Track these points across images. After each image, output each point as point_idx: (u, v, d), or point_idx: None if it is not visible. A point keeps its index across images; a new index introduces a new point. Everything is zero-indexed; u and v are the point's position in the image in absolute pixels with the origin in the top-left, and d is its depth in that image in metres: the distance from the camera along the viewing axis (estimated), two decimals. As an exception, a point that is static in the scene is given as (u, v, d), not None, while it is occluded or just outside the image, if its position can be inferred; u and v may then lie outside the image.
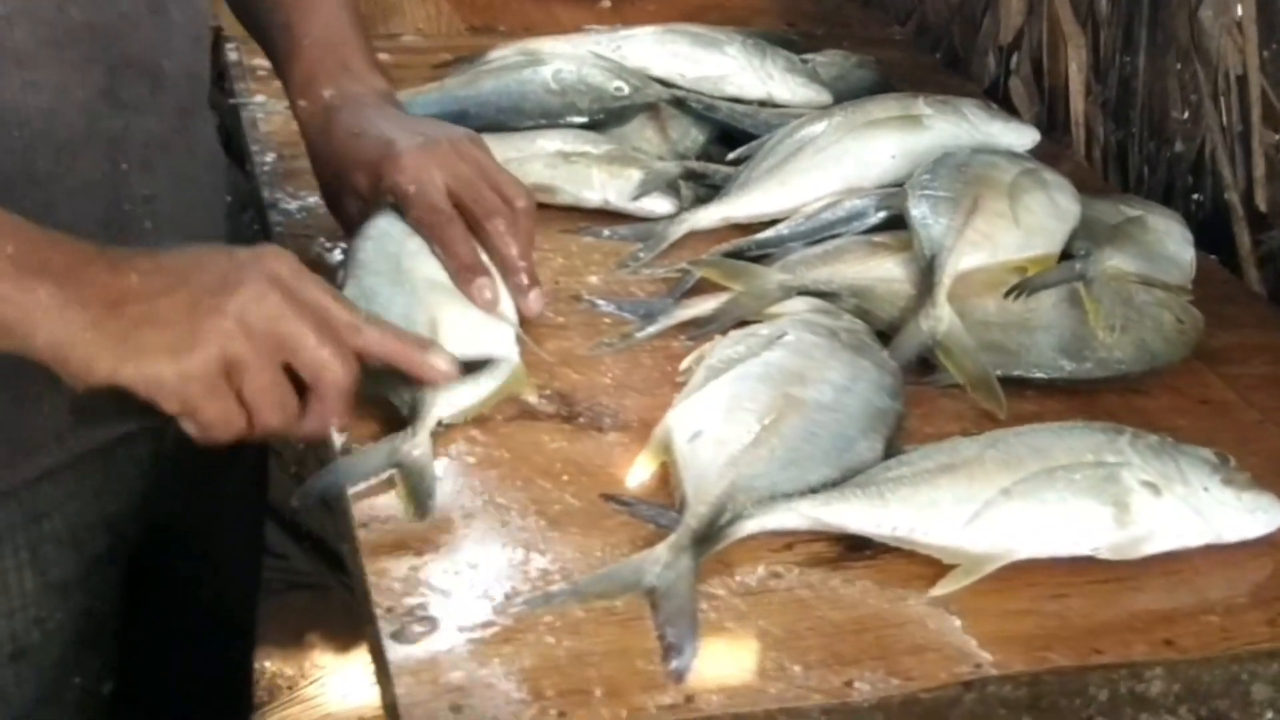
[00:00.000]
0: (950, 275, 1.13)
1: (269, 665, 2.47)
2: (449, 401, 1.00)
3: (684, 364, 1.11)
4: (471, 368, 1.04)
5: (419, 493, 0.94)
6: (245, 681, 1.62)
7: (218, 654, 1.47)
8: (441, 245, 1.10)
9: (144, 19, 1.09)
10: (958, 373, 1.10)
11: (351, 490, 0.96)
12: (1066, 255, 1.22)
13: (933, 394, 1.12)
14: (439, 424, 1.01)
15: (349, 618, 0.84)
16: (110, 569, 1.19)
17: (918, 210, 1.20)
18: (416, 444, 0.96)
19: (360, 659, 2.22)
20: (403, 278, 1.09)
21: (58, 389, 1.04)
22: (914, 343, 1.12)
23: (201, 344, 0.87)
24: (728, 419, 0.99)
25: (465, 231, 1.11)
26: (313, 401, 0.93)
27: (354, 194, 1.17)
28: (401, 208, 1.12)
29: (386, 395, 1.02)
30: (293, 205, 1.36)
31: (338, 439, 1.02)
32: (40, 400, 1.06)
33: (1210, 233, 1.40)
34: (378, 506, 0.96)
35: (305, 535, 2.58)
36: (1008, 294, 1.14)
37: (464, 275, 1.09)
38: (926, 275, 1.15)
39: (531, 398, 1.08)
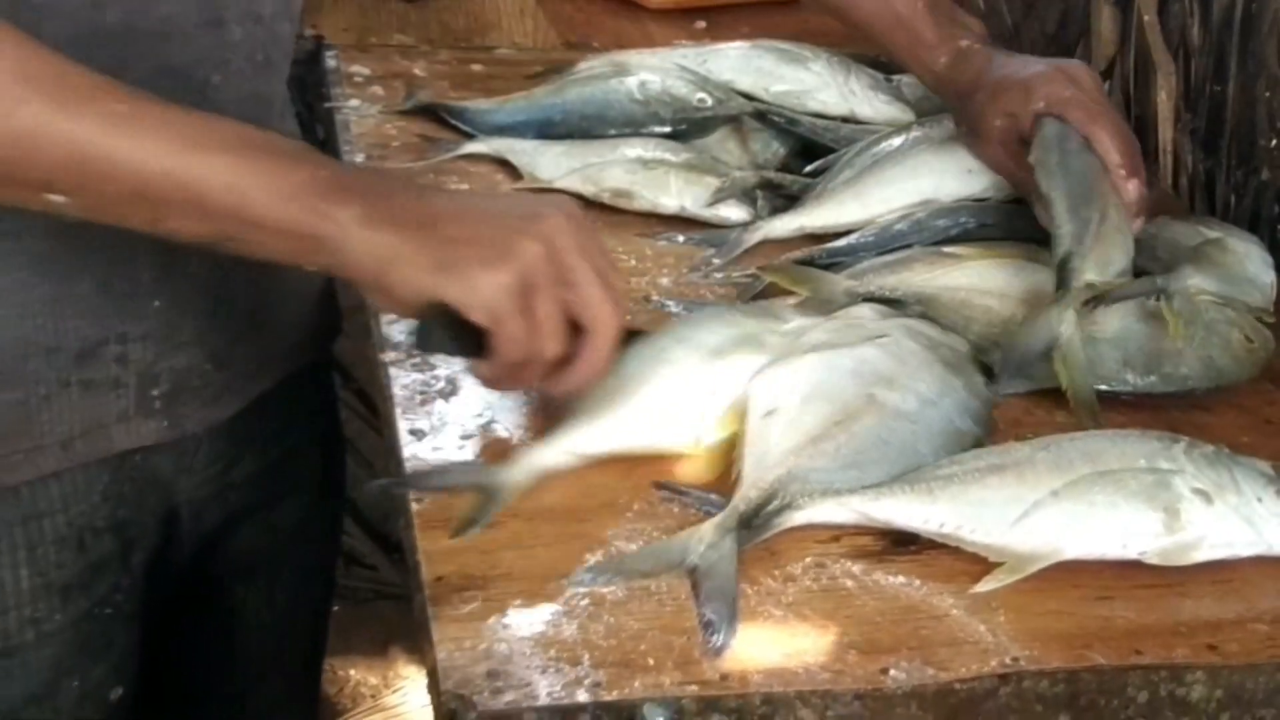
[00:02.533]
0: (1082, 283, 1.12)
1: (354, 673, 2.51)
2: (565, 449, 0.97)
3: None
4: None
5: (477, 516, 0.92)
6: (314, 684, 1.61)
7: (288, 658, 1.48)
8: (1098, 139, 1.24)
9: (190, 31, 1.07)
10: (1065, 379, 1.08)
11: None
12: (1139, 272, 1.21)
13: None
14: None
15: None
16: (121, 575, 1.17)
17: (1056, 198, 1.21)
18: (515, 474, 0.95)
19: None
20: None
21: (65, 396, 1.07)
22: (1038, 338, 1.10)
23: (514, 258, 0.89)
24: (805, 405, 0.99)
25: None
26: (586, 343, 0.94)
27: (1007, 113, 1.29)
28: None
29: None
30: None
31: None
32: (48, 403, 1.07)
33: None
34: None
35: (395, 546, 2.60)
36: (1087, 303, 1.13)
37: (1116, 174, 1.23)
38: (1061, 273, 1.14)
39: None
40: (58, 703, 1.15)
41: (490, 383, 0.97)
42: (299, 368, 1.32)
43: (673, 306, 1.22)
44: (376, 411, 2.46)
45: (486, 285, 0.88)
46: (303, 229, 0.89)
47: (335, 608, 2.62)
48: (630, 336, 1.00)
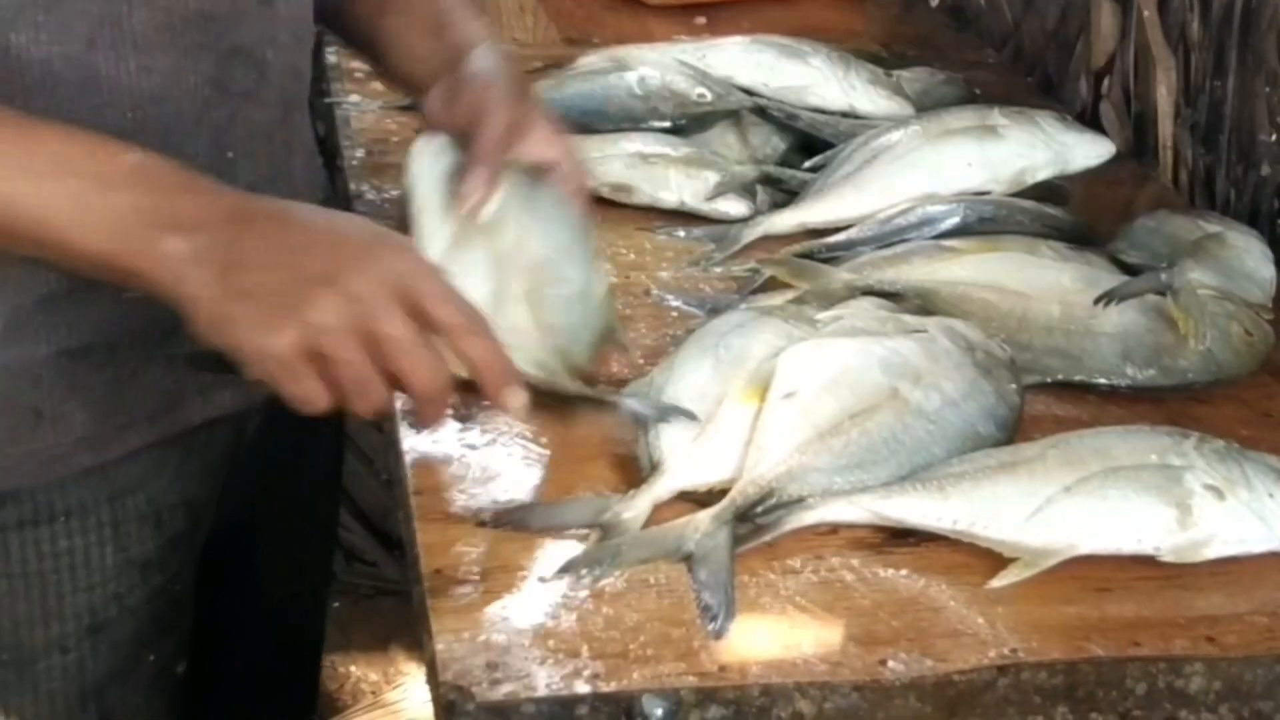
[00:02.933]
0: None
1: (354, 669, 2.51)
2: (689, 474, 0.96)
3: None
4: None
5: (602, 556, 0.89)
6: (314, 675, 1.62)
7: (286, 647, 1.48)
8: None
9: (252, 10, 1.10)
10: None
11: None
12: (1133, 270, 1.22)
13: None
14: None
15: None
16: (187, 552, 1.21)
17: None
18: (633, 508, 0.93)
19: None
20: None
21: (151, 371, 1.08)
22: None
23: (285, 328, 0.84)
24: (826, 390, 0.98)
25: None
26: (414, 390, 0.88)
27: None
28: None
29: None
30: (376, 197, 1.39)
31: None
32: (135, 380, 1.09)
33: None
34: (434, 473, 0.97)
35: (395, 543, 2.61)
36: (1098, 300, 1.14)
37: None
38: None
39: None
40: (137, 678, 1.18)
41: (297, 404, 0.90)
42: None
43: (671, 300, 1.22)
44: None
45: (251, 351, 0.85)
46: (119, 267, 0.89)
47: (336, 604, 2.64)
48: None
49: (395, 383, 0.86)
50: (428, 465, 0.98)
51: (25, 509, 1.09)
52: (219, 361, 0.88)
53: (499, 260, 1.02)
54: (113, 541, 1.13)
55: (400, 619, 2.55)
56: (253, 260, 0.87)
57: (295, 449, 1.33)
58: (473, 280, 1.00)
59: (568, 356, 1.02)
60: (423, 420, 0.92)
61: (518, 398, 0.91)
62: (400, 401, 1.00)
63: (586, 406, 1.00)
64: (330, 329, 0.84)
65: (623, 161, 1.40)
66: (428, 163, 1.06)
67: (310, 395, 0.85)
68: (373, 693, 2.46)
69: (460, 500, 0.94)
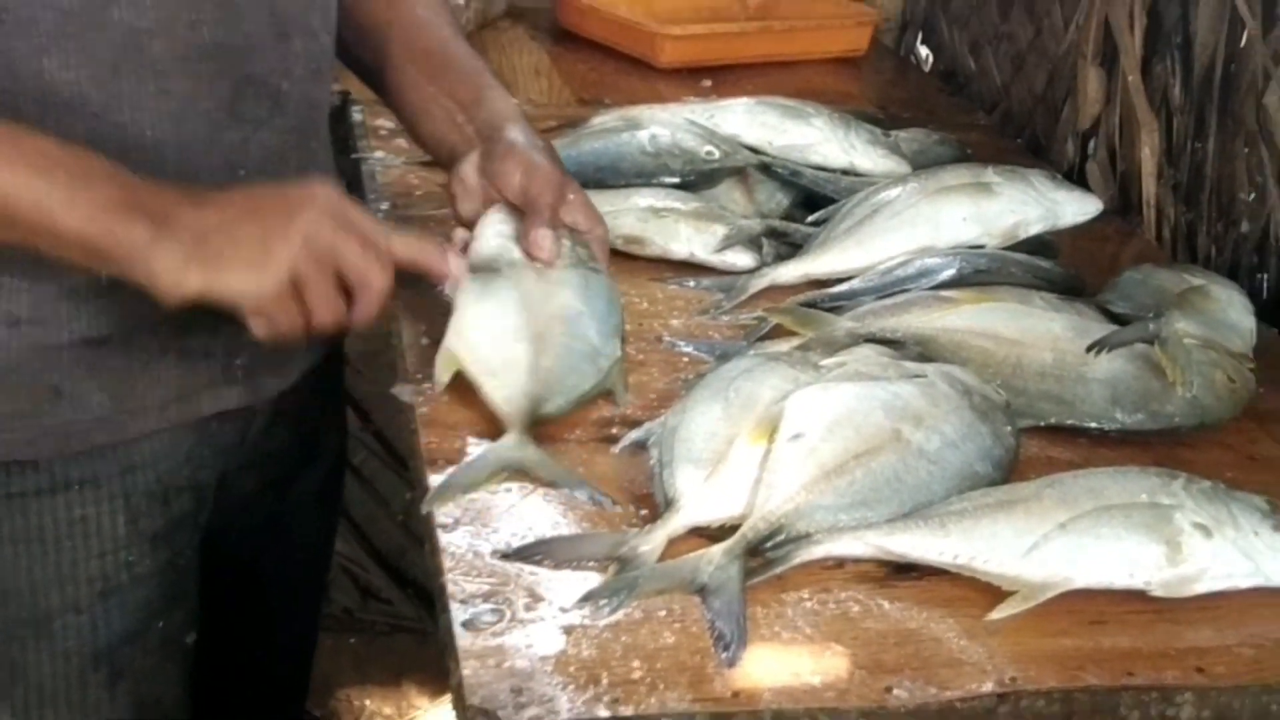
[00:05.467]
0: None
1: (369, 703, 2.50)
2: (702, 511, 0.96)
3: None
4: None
5: (619, 586, 0.90)
6: (306, 665, 1.60)
7: (281, 636, 1.50)
8: None
9: (268, 44, 1.12)
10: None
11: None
12: (1121, 320, 1.22)
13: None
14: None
15: (443, 664, 0.86)
16: (192, 532, 1.22)
17: None
18: (649, 542, 0.93)
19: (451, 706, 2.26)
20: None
21: (164, 363, 1.12)
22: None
23: (274, 263, 0.98)
24: (831, 431, 0.98)
25: None
26: (358, 300, 1.03)
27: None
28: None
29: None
30: (402, 245, 1.39)
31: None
32: (148, 370, 1.12)
33: (1272, 309, 1.39)
34: (460, 509, 0.97)
35: (409, 582, 2.60)
36: (1089, 349, 1.14)
37: None
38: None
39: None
40: (147, 643, 1.19)
41: (269, 335, 1.03)
42: (330, 351, 1.36)
43: (682, 346, 1.22)
44: (393, 451, 2.47)
45: (252, 288, 0.99)
46: (100, 247, 0.97)
47: (352, 640, 2.63)
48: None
49: (347, 294, 1.02)
50: (450, 505, 0.98)
51: (44, 478, 1.11)
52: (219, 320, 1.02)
53: (524, 301, 1.12)
54: (123, 513, 1.15)
55: (414, 655, 2.55)
56: (219, 229, 0.99)
57: (299, 450, 1.35)
58: (495, 307, 1.11)
59: (534, 399, 1.06)
60: (369, 318, 1.05)
61: (455, 263, 1.12)
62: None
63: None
64: (298, 261, 0.98)
65: (635, 215, 1.41)
66: (495, 221, 1.18)
67: (290, 320, 1.00)
68: (388, 724, 2.46)
69: (484, 534, 0.94)
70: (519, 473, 1.00)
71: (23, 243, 0.97)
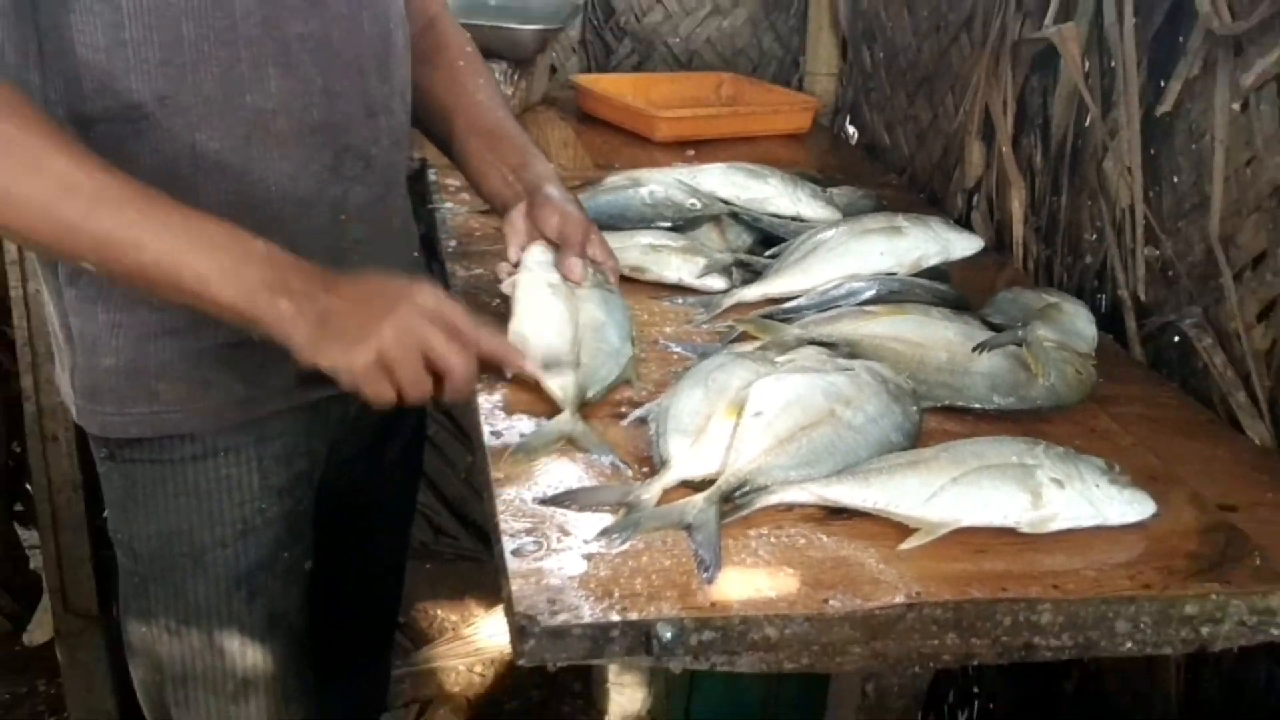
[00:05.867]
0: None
1: (440, 613, 2.49)
2: (688, 469, 0.95)
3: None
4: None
5: (625, 525, 0.89)
6: (398, 586, 1.58)
7: (377, 565, 1.48)
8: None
9: (360, 121, 1.12)
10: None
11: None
12: (998, 328, 1.22)
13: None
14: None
15: (496, 583, 0.86)
16: (308, 486, 1.21)
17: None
18: (649, 491, 0.93)
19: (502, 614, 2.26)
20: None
21: (286, 360, 1.08)
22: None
23: (364, 347, 0.94)
24: (784, 411, 0.98)
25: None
26: (446, 380, 0.98)
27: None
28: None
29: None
30: (465, 274, 1.39)
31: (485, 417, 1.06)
32: (271, 367, 1.11)
33: (1109, 320, 1.39)
34: (509, 468, 0.98)
35: (470, 523, 2.60)
36: (974, 349, 1.14)
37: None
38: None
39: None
40: (275, 570, 1.18)
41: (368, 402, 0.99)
42: None
43: (673, 347, 1.22)
44: (458, 426, 2.48)
45: (344, 366, 0.94)
46: (250, 316, 0.94)
47: (427, 566, 2.64)
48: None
49: (438, 377, 0.97)
50: (503, 465, 0.98)
51: (198, 447, 1.12)
52: (320, 376, 0.97)
53: (569, 313, 1.12)
54: (257, 473, 1.15)
55: (473, 577, 2.55)
56: (337, 313, 0.95)
57: (386, 426, 1.34)
58: (548, 318, 1.11)
59: (582, 389, 1.07)
60: (458, 398, 1.00)
61: (526, 360, 1.06)
62: (488, 436, 1.03)
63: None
64: (391, 348, 0.94)
65: (639, 250, 1.41)
66: (538, 256, 1.18)
67: (380, 393, 0.96)
68: (453, 630, 2.45)
69: (527, 487, 0.95)
70: (569, 441, 1.00)
71: (182, 304, 0.95)
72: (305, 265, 0.97)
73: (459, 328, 0.98)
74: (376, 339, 0.94)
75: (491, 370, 1.06)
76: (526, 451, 0.98)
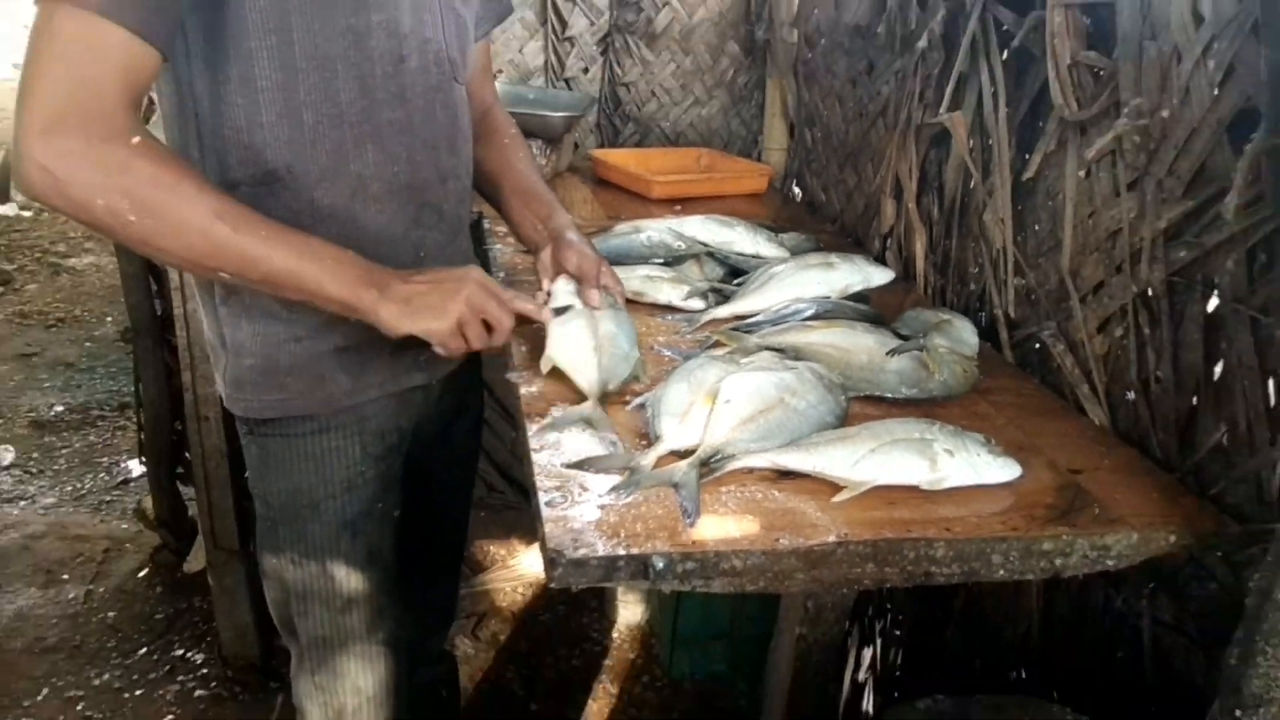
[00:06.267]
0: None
1: (491, 548, 2.49)
2: (676, 442, 0.95)
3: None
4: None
5: (628, 483, 0.89)
6: (464, 529, 1.56)
7: (450, 515, 1.46)
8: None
9: (435, 184, 1.11)
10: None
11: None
12: (905, 338, 1.22)
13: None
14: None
15: (533, 526, 0.87)
16: (397, 454, 1.19)
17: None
18: (647, 458, 0.92)
19: (538, 549, 2.26)
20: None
21: (381, 359, 1.10)
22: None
23: (448, 315, 0.98)
24: (745, 399, 0.98)
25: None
26: (495, 334, 1.02)
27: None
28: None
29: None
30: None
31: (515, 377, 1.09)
32: (370, 366, 1.11)
33: (987, 332, 1.39)
34: (544, 442, 0.97)
35: (513, 481, 2.60)
36: (888, 353, 1.14)
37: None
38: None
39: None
40: (372, 516, 1.17)
41: (448, 353, 1.01)
42: (472, 354, 1.33)
43: (666, 352, 1.22)
44: (506, 409, 2.48)
45: (436, 328, 0.98)
46: (350, 304, 0.95)
47: (481, 514, 2.64)
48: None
49: (490, 331, 1.01)
50: (539, 439, 0.98)
51: (316, 425, 1.11)
52: (415, 341, 0.99)
53: (591, 328, 1.11)
54: (359, 444, 1.13)
55: (516, 522, 2.54)
56: (419, 293, 0.98)
57: (457, 408, 1.33)
58: (575, 332, 1.10)
59: (605, 384, 1.06)
60: (503, 341, 1.03)
61: (543, 310, 1.11)
62: (528, 418, 1.02)
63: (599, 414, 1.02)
64: (464, 313, 0.99)
65: (638, 280, 1.40)
66: (563, 286, 1.17)
67: (458, 346, 1.00)
68: (502, 561, 2.44)
69: (556, 455, 0.95)
70: (589, 424, 1.00)
71: (301, 300, 0.95)
72: (385, 267, 0.98)
73: (502, 296, 1.03)
74: (455, 308, 0.98)
75: (524, 323, 1.10)
76: (558, 423, 0.99)
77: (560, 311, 1.12)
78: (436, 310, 0.97)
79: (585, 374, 1.06)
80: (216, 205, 0.88)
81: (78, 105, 0.81)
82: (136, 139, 0.84)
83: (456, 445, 1.38)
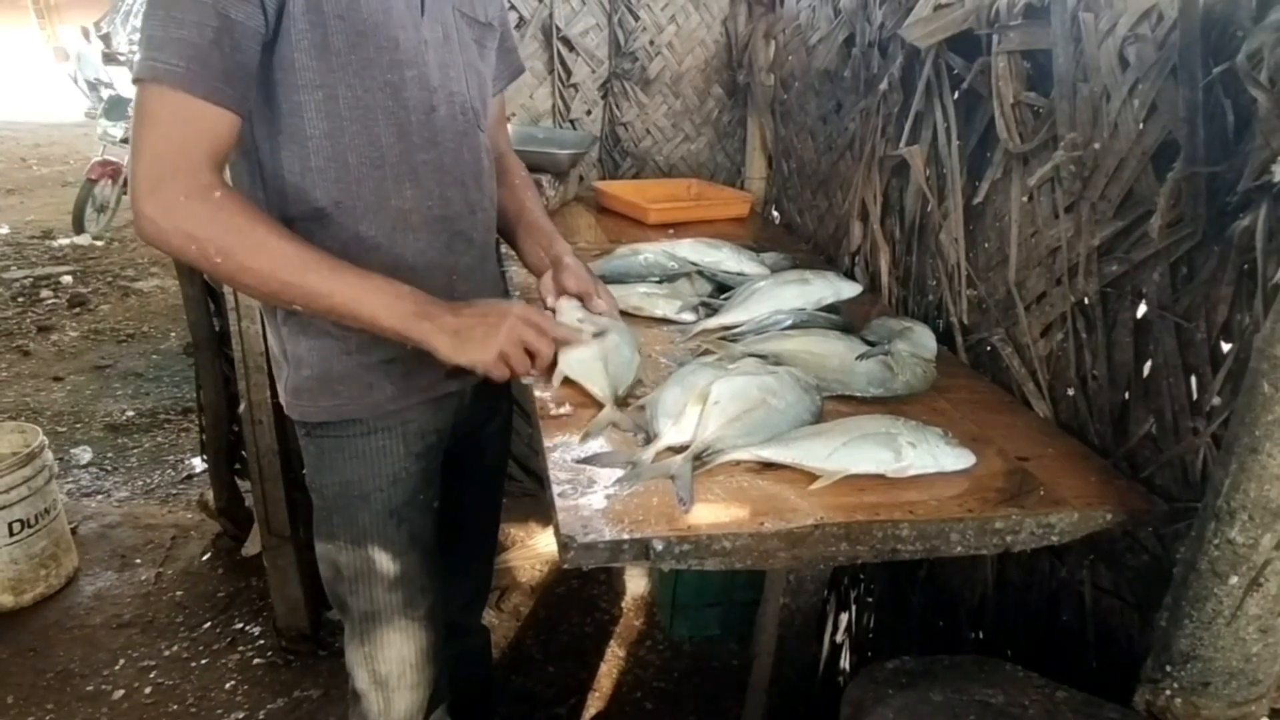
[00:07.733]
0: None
1: (512, 530, 2.48)
2: (672, 438, 0.94)
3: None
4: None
5: (629, 476, 0.89)
6: (496, 514, 1.55)
7: (483, 504, 1.45)
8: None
9: (465, 216, 1.10)
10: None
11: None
12: (873, 343, 1.21)
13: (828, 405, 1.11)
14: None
15: (548, 513, 0.87)
16: (437, 452, 1.19)
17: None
18: (648, 454, 0.92)
19: (552, 533, 2.26)
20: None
21: (421, 370, 1.08)
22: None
23: (492, 346, 0.96)
24: (732, 400, 0.98)
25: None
26: (537, 360, 1.00)
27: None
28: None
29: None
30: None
31: (540, 391, 1.06)
32: (413, 375, 1.10)
33: (945, 337, 1.39)
34: (558, 440, 0.97)
35: (531, 471, 2.59)
36: (858, 357, 1.13)
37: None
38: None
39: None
40: (415, 505, 1.16)
41: (496, 380, 0.99)
42: None
43: (663, 360, 1.21)
44: (523, 410, 2.48)
45: (480, 358, 0.96)
46: (403, 333, 0.94)
47: (505, 500, 2.63)
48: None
49: (532, 359, 0.99)
50: (553, 438, 0.98)
51: (365, 427, 1.10)
52: (460, 370, 0.97)
53: (597, 342, 1.09)
54: (402, 443, 1.13)
55: (533, 508, 2.53)
56: (467, 326, 0.96)
57: (488, 412, 1.32)
58: (582, 347, 1.08)
59: (615, 389, 1.05)
60: (545, 366, 1.01)
61: (587, 336, 1.06)
62: (542, 417, 1.02)
63: (610, 414, 1.01)
64: (506, 345, 0.97)
65: (637, 296, 1.40)
66: (567, 305, 1.15)
67: (502, 374, 0.97)
68: (521, 541, 2.44)
69: (568, 451, 0.95)
70: (615, 425, 0.99)
71: (359, 328, 0.95)
72: (436, 300, 0.98)
73: (542, 326, 1.01)
74: (497, 341, 0.96)
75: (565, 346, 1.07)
76: (595, 428, 0.98)
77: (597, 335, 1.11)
78: (480, 344, 0.96)
79: (598, 383, 1.05)
80: (280, 247, 0.89)
81: (170, 167, 0.86)
82: (218, 193, 0.87)
83: (487, 444, 1.37)
